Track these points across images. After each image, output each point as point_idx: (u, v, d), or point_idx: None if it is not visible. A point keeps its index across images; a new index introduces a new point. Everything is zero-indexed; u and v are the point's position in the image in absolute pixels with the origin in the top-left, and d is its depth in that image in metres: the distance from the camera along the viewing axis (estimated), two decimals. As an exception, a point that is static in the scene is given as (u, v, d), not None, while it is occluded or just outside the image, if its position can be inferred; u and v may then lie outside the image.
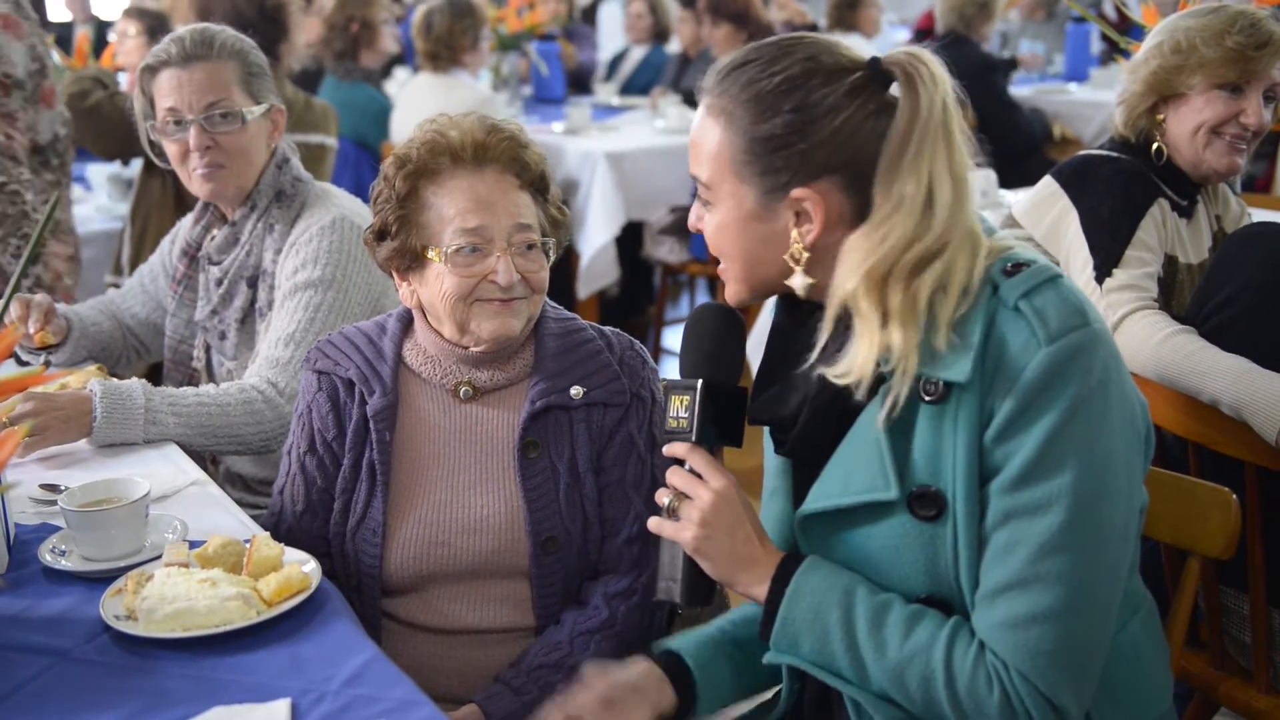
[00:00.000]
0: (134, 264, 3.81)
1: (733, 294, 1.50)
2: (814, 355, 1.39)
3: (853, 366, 1.34)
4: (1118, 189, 2.31)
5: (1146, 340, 2.10)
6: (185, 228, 2.56)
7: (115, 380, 2.14)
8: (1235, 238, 2.12)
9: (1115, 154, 2.38)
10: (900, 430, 1.36)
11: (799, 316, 1.47)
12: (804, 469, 1.50)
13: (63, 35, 7.55)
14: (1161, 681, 1.50)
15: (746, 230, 1.44)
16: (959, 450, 1.33)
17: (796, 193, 1.39)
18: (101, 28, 7.65)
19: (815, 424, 1.43)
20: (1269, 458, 1.89)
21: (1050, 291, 1.33)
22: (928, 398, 1.34)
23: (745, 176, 1.42)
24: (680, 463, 1.49)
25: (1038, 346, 1.30)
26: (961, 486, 1.34)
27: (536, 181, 1.83)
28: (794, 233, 1.41)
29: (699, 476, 1.47)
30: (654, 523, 1.49)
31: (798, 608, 1.42)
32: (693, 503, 1.46)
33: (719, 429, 1.50)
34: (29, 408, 1.98)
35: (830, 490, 1.42)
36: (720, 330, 1.51)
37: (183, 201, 3.75)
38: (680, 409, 1.48)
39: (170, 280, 2.56)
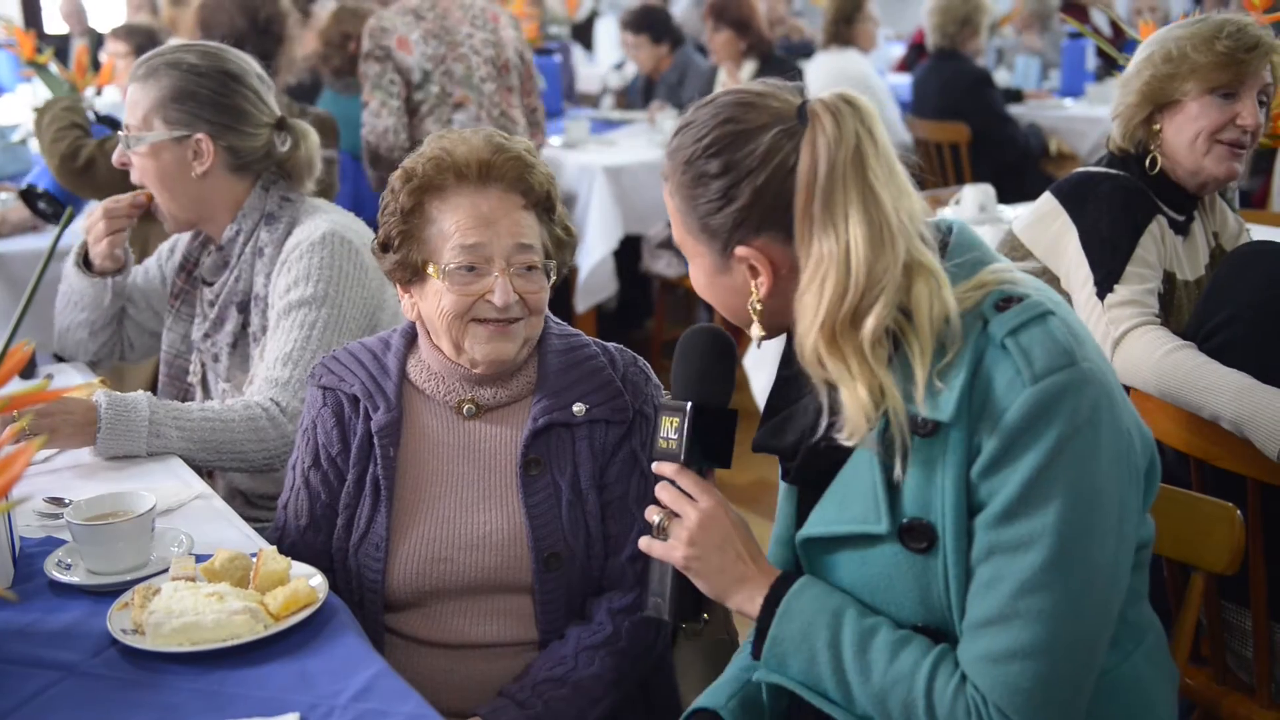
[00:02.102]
0: None
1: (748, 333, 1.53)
2: (824, 421, 1.39)
3: (853, 429, 1.35)
4: (1117, 205, 2.32)
5: (1148, 356, 2.11)
6: (184, 243, 2.55)
7: (120, 393, 2.14)
8: (1235, 256, 2.13)
9: (1114, 171, 2.39)
10: (894, 464, 1.36)
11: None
12: (807, 491, 1.51)
13: (61, 47, 7.56)
14: (1165, 711, 1.49)
15: (715, 284, 1.48)
16: (947, 484, 1.33)
17: (739, 252, 1.41)
18: (98, 40, 7.66)
19: (813, 456, 1.44)
20: (1270, 473, 1.90)
21: (1038, 329, 1.32)
22: (919, 433, 1.34)
23: (697, 237, 1.45)
24: (670, 481, 1.51)
25: (1022, 386, 1.30)
26: (950, 520, 1.34)
27: (542, 201, 1.83)
28: (751, 284, 1.43)
29: (688, 496, 1.49)
30: (644, 542, 1.51)
31: (787, 628, 1.43)
32: (681, 522, 1.48)
33: (707, 450, 1.52)
34: (41, 407, 2.00)
35: (827, 517, 1.43)
36: (710, 352, 1.53)
37: None
38: (670, 430, 1.51)
39: (169, 295, 2.55)
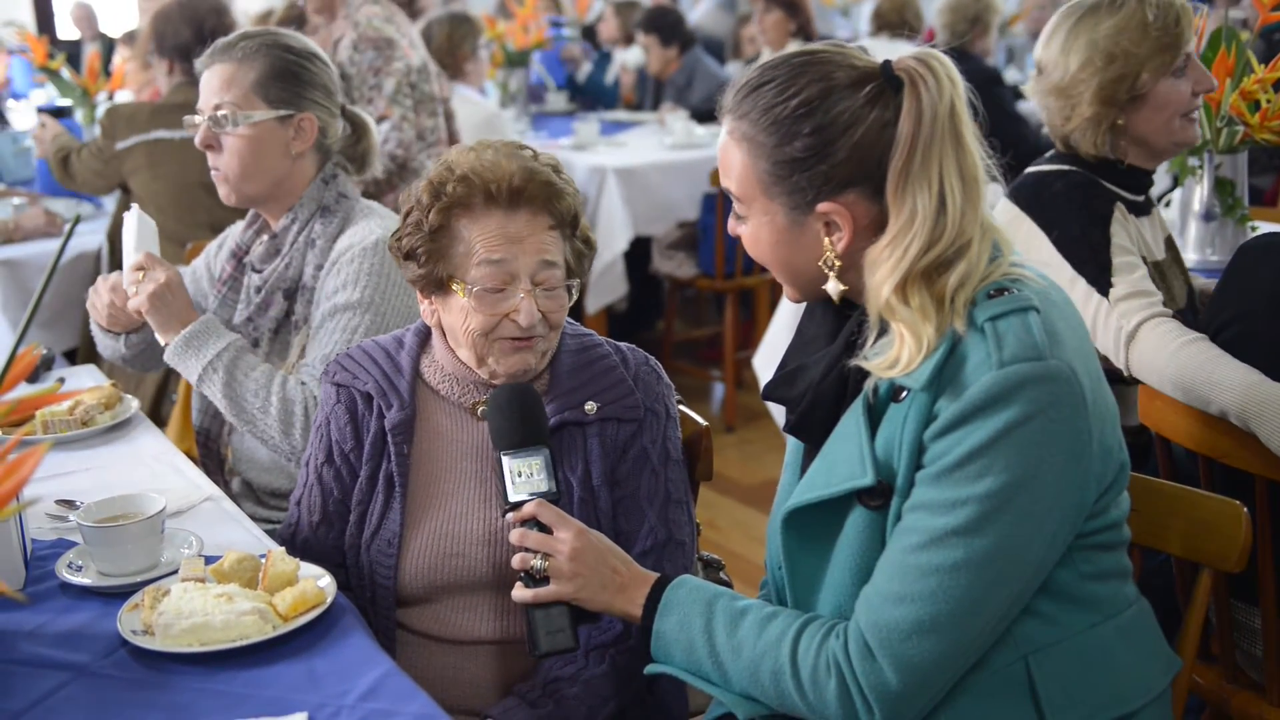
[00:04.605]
0: None
1: (789, 296, 1.60)
2: (866, 348, 1.45)
3: (900, 360, 1.41)
4: (1077, 202, 2.31)
5: (1162, 349, 2.11)
6: (236, 231, 2.58)
7: (218, 320, 2.31)
8: (1247, 249, 2.12)
9: (1065, 166, 2.38)
10: (874, 426, 1.45)
11: (827, 304, 1.55)
12: (809, 461, 1.57)
13: (73, 53, 7.60)
14: (1136, 686, 1.52)
15: (780, 242, 1.51)
16: (905, 443, 1.41)
17: (822, 207, 1.46)
18: (110, 45, 7.70)
19: (817, 405, 1.51)
20: (1279, 470, 1.89)
21: (1017, 319, 1.39)
22: (894, 399, 1.43)
23: (773, 195, 1.48)
24: (524, 525, 1.62)
25: (989, 368, 1.36)
26: (901, 478, 1.41)
27: (569, 221, 1.84)
28: (825, 241, 1.48)
29: (548, 531, 1.61)
30: (528, 594, 1.60)
31: (667, 621, 1.55)
32: (557, 559, 1.60)
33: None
34: (163, 277, 2.27)
35: (815, 483, 1.49)
36: (531, 400, 1.71)
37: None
38: (532, 472, 1.66)
39: (214, 280, 2.57)
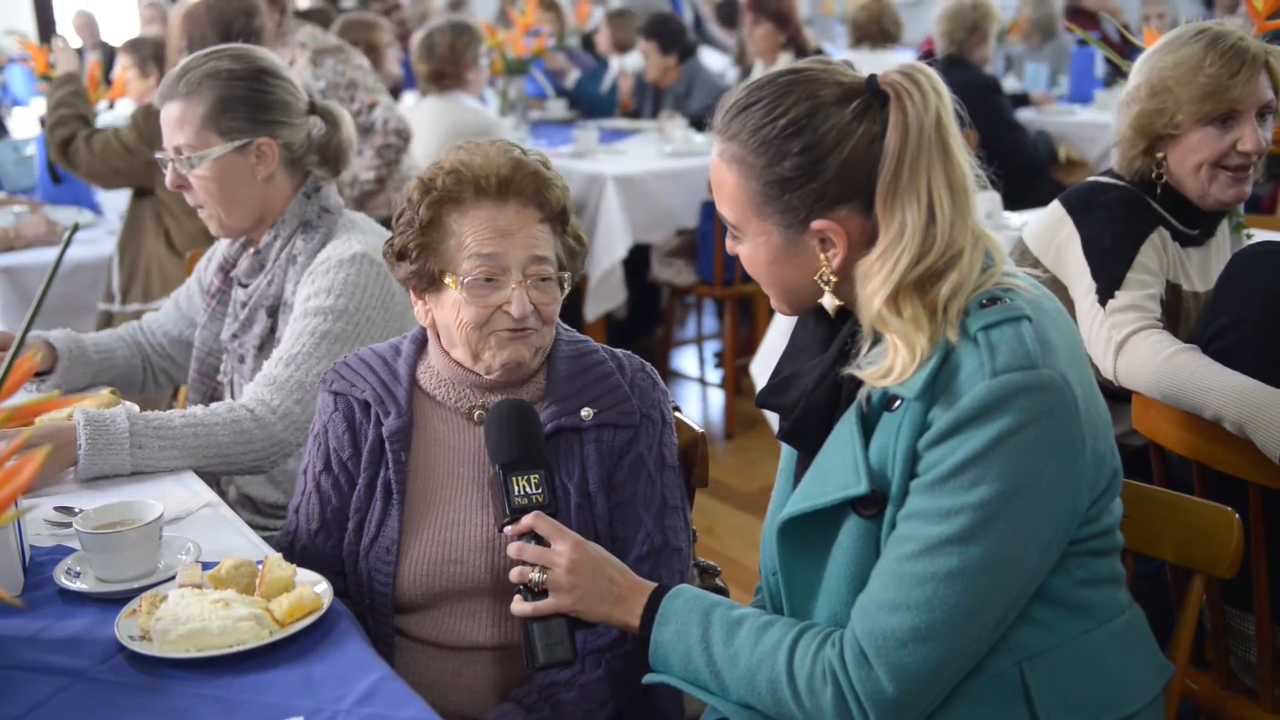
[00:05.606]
0: (126, 291, 3.84)
1: (780, 310, 1.61)
2: (860, 357, 1.47)
3: (893, 369, 1.42)
4: (1119, 215, 2.33)
5: (1150, 359, 2.12)
6: (223, 246, 2.57)
7: (98, 410, 2.07)
8: (1241, 259, 2.13)
9: (1120, 181, 2.39)
10: (867, 435, 1.46)
11: (820, 313, 1.56)
12: (803, 468, 1.58)
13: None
14: (1128, 691, 1.53)
15: (776, 260, 1.52)
16: (899, 452, 1.42)
17: (816, 225, 1.47)
18: (111, 54, 7.71)
19: (810, 413, 1.53)
20: (1272, 477, 1.90)
21: (1009, 329, 1.40)
22: (887, 408, 1.43)
23: (766, 215, 1.50)
24: (521, 538, 1.63)
25: (982, 377, 1.37)
26: (896, 486, 1.42)
27: (559, 214, 1.85)
28: (821, 257, 1.49)
29: (545, 544, 1.62)
30: (528, 607, 1.61)
31: (664, 631, 1.56)
32: (555, 571, 1.60)
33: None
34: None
35: (810, 492, 1.50)
36: (530, 417, 1.73)
37: (167, 232, 3.81)
38: (528, 487, 1.67)
39: (204, 294, 2.57)
